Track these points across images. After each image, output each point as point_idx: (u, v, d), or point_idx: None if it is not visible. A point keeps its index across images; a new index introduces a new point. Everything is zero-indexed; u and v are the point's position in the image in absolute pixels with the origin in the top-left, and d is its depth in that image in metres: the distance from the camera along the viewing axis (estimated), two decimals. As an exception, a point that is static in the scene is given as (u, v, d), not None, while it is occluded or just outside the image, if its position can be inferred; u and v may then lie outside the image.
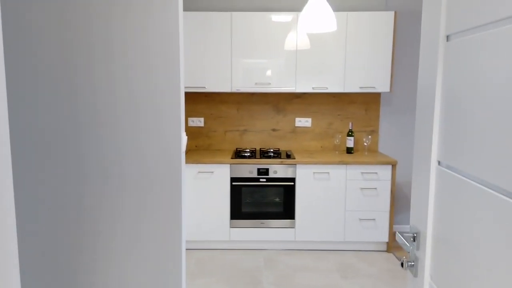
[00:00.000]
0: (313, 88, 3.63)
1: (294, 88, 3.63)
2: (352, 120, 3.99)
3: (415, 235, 1.03)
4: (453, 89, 0.89)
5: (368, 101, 3.97)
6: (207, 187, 3.50)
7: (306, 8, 2.82)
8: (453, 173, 0.89)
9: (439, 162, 0.95)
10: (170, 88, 1.78)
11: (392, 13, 3.53)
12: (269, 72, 3.60)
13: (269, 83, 3.62)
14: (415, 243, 1.02)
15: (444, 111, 0.93)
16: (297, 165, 3.49)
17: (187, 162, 3.46)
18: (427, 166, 0.98)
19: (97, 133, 1.81)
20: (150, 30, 1.77)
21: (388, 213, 3.52)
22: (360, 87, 3.62)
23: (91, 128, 1.81)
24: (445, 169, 0.92)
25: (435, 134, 0.95)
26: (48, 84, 1.77)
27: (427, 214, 0.98)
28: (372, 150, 4.01)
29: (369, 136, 3.80)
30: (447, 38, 0.92)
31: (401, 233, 1.07)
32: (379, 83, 3.62)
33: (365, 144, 3.82)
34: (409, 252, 1.05)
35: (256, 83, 3.62)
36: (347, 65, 3.60)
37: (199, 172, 3.49)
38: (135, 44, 1.77)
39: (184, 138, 1.90)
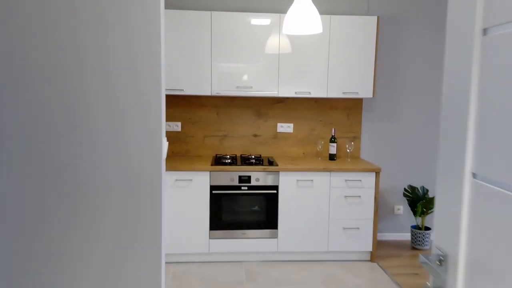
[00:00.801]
0: (295, 92, 3.51)
1: (276, 92, 3.50)
2: (334, 126, 3.90)
3: (441, 258, 0.90)
4: (492, 89, 0.77)
5: (350, 107, 3.90)
6: (185, 196, 3.31)
7: (291, 9, 2.70)
8: (494, 186, 0.76)
9: (473, 175, 0.83)
10: (150, 90, 1.60)
11: (375, 18, 3.48)
12: (250, 76, 3.46)
13: (251, 87, 3.48)
14: (442, 268, 0.89)
15: (481, 115, 0.80)
16: (280, 172, 3.35)
17: (163, 169, 3.25)
18: (458, 179, 0.86)
19: (70, 138, 1.60)
20: (130, 27, 1.59)
21: (372, 221, 3.44)
22: (343, 93, 3.54)
23: (64, 132, 1.60)
24: (483, 182, 0.80)
25: (470, 142, 0.83)
26: (18, 87, 1.55)
27: (459, 235, 0.85)
28: (354, 156, 3.94)
29: (352, 143, 3.72)
30: (484, 31, 0.80)
31: (426, 256, 0.94)
32: (362, 88, 3.55)
33: (348, 150, 3.73)
34: (433, 277, 0.92)
35: (237, 87, 3.47)
36: (330, 70, 3.51)
37: (176, 180, 3.29)
38: (113, 43, 1.58)
39: (165, 144, 1.73)
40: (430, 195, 4.01)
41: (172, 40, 3.38)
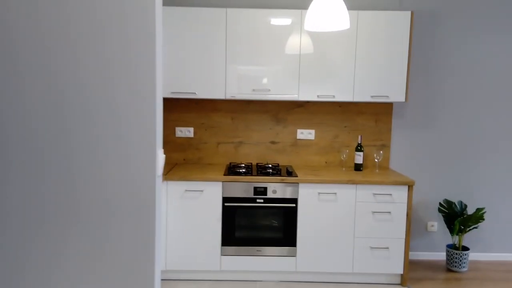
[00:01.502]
0: (318, 96, 3.19)
1: (296, 95, 3.19)
2: (361, 133, 3.55)
3: None
4: None
5: (379, 112, 3.53)
6: (196, 208, 3.03)
7: (314, 2, 2.39)
8: None
9: None
10: (142, 94, 1.33)
11: (409, 13, 3.12)
12: (268, 78, 3.16)
13: (269, 90, 3.17)
14: None
15: None
16: (300, 184, 3.03)
17: (172, 178, 2.98)
18: None
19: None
20: (118, 22, 1.32)
21: (404, 241, 3.06)
22: (372, 96, 3.19)
23: (54, 132, 1.35)
24: None
25: None
26: (7, 90, 1.31)
27: None
28: (383, 167, 3.57)
29: (381, 152, 3.35)
30: None
31: None
32: (393, 91, 3.19)
33: (376, 160, 3.37)
34: None
35: (253, 90, 3.17)
36: (357, 71, 3.17)
37: (186, 190, 3.01)
38: (95, 38, 1.31)
39: (161, 158, 1.45)
40: (469, 211, 3.59)
41: (185, 40, 3.12)
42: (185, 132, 3.54)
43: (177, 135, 3.54)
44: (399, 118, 3.55)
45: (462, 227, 3.36)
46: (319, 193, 3.03)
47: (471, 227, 3.36)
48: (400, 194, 3.03)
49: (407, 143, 3.56)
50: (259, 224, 3.06)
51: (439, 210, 3.47)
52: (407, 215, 3.04)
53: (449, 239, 3.64)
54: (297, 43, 3.14)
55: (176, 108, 3.52)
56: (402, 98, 3.19)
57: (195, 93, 3.17)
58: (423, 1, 3.44)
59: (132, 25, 1.32)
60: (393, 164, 3.59)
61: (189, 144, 3.56)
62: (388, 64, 3.16)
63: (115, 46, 1.32)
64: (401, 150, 3.57)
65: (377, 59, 3.16)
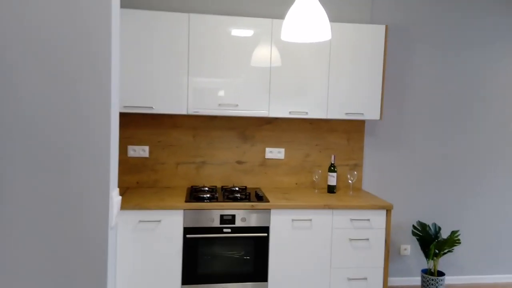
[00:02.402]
0: (290, 112, 2.91)
1: (266, 111, 2.89)
2: (332, 152, 3.32)
3: None
4: None
5: (351, 130, 3.33)
6: (152, 242, 2.60)
7: (292, 11, 2.11)
8: None
9: None
10: (91, 116, 0.95)
11: (383, 27, 2.96)
12: (236, 92, 2.84)
13: (236, 105, 2.85)
14: None
15: None
16: (272, 210, 2.71)
17: (124, 207, 2.54)
18: None
19: None
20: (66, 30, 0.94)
21: (382, 270, 2.83)
22: (346, 113, 2.97)
23: None
24: None
25: None
26: None
27: None
28: (356, 188, 3.35)
29: (355, 172, 3.13)
30: None
31: None
32: (368, 109, 2.99)
33: (350, 181, 3.14)
34: None
35: (219, 105, 2.83)
36: (331, 87, 2.94)
37: (140, 221, 2.58)
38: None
39: (116, 202, 1.07)
40: (443, 234, 3.47)
41: (140, 47, 2.72)
42: (139, 151, 3.10)
43: (129, 155, 3.09)
44: (371, 136, 3.37)
45: (437, 251, 3.21)
46: (293, 219, 2.73)
47: (445, 251, 3.23)
48: (378, 219, 2.81)
49: (379, 162, 3.38)
50: (225, 258, 2.69)
51: (413, 233, 3.30)
52: (385, 241, 2.82)
53: (423, 262, 3.48)
54: (267, 55, 2.86)
55: (129, 124, 3.08)
56: (376, 116, 3.01)
57: (152, 107, 2.77)
58: (395, 16, 3.31)
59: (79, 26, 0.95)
60: (366, 185, 3.39)
61: (144, 165, 3.12)
62: (363, 80, 2.97)
63: (55, 49, 0.94)
64: (374, 170, 3.38)
65: (351, 74, 2.95)
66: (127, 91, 2.73)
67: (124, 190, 2.94)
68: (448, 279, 3.51)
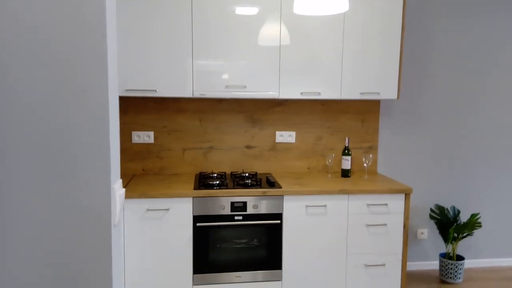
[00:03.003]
0: (301, 93, 2.75)
1: (276, 93, 2.74)
2: (345, 134, 3.17)
3: None
4: None
5: (365, 110, 3.17)
6: (161, 231, 2.49)
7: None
8: None
9: None
10: (88, 101, 0.82)
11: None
12: (243, 73, 2.68)
13: (244, 87, 2.69)
14: None
15: None
16: (285, 197, 2.58)
17: (130, 196, 2.42)
18: None
19: None
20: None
21: (401, 256, 2.72)
22: (361, 93, 2.81)
23: None
24: None
25: None
26: None
27: None
28: (371, 171, 3.21)
29: (370, 155, 2.99)
30: None
31: None
32: (384, 88, 2.83)
33: (365, 165, 3.00)
34: None
35: (226, 87, 2.68)
36: (345, 65, 2.77)
37: (148, 209, 2.46)
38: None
39: (119, 195, 0.94)
40: (462, 217, 3.33)
41: (142, 28, 2.56)
42: (143, 137, 2.97)
43: (134, 141, 2.96)
44: (387, 116, 3.21)
45: (456, 235, 3.09)
46: (306, 206, 2.60)
47: (465, 235, 3.10)
48: (396, 203, 2.68)
49: (395, 144, 3.23)
50: (238, 246, 2.58)
51: (431, 217, 3.18)
52: (404, 226, 2.70)
53: (441, 246, 3.37)
54: (276, 32, 2.68)
55: (132, 109, 2.94)
56: (393, 95, 2.84)
57: (155, 90, 2.62)
58: (411, -13, 3.11)
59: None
60: (381, 168, 3.24)
61: (149, 152, 2.99)
62: (379, 57, 2.79)
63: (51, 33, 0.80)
64: (389, 152, 3.23)
65: (366, 51, 2.78)
66: (128, 74, 2.58)
67: (129, 178, 2.83)
68: (466, 263, 3.39)
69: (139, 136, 2.97)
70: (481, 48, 3.22)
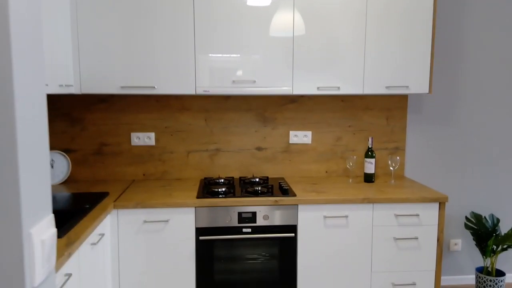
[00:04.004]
0: (318, 88, 2.43)
1: (290, 88, 2.42)
2: (369, 134, 2.82)
3: None
4: None
5: (390, 107, 2.82)
6: (159, 245, 2.21)
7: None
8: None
9: None
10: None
11: (431, -22, 2.40)
12: (252, 66, 2.37)
13: (254, 81, 2.38)
14: None
15: None
16: (300, 206, 2.27)
17: (125, 205, 2.15)
18: None
19: None
20: None
21: (434, 273, 2.37)
22: (387, 87, 2.46)
23: None
24: None
25: None
26: None
27: None
28: (397, 175, 2.86)
29: (397, 157, 2.64)
30: None
31: None
32: (414, 81, 2.47)
33: (391, 168, 2.66)
34: None
35: (233, 82, 2.37)
36: (368, 56, 2.43)
37: (145, 221, 2.19)
38: None
39: (44, 239, 0.64)
40: (502, 226, 2.95)
41: (139, 18, 2.28)
42: (143, 138, 2.70)
43: (133, 143, 2.69)
44: (415, 113, 2.85)
45: (495, 247, 2.72)
46: (325, 216, 2.28)
47: (505, 247, 2.72)
48: (429, 213, 2.33)
49: (424, 145, 2.87)
50: (246, 262, 2.28)
51: (466, 226, 2.81)
52: (437, 240, 2.35)
53: (477, 259, 2.99)
54: (289, 21, 2.36)
55: (131, 108, 2.67)
56: (425, 89, 2.49)
57: (153, 87, 2.33)
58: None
59: None
60: (409, 171, 2.89)
61: (150, 155, 2.72)
62: (407, 47, 2.44)
63: None
64: (418, 154, 2.87)
65: (392, 40, 2.43)
66: (124, 69, 2.30)
67: (127, 184, 2.56)
68: (508, 277, 3.01)
69: (139, 138, 2.69)
70: (524, 34, 2.82)
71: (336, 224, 2.29)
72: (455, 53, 2.80)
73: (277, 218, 2.26)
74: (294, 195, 2.29)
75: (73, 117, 2.63)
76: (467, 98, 2.85)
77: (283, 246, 2.28)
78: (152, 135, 2.70)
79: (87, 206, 2.02)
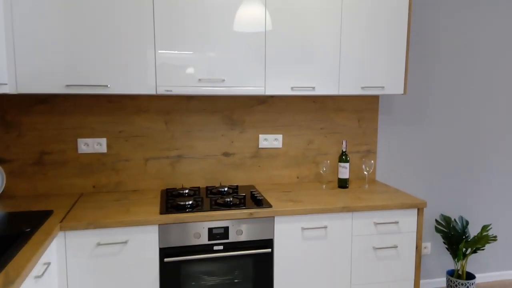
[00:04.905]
0: (292, 88, 2.24)
1: (262, 88, 2.20)
2: (342, 136, 2.69)
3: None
4: None
5: (362, 108, 2.71)
6: (117, 270, 1.90)
7: None
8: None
9: None
10: None
11: (405, -25, 2.31)
12: (221, 64, 2.13)
13: (222, 80, 2.14)
14: None
15: None
16: (276, 218, 2.06)
17: (73, 226, 1.81)
18: None
19: None
20: None
21: (413, 282, 2.28)
22: (363, 88, 2.33)
23: None
24: None
25: None
26: None
27: None
28: (369, 180, 2.76)
29: (371, 161, 2.53)
30: None
31: None
32: (389, 81, 2.37)
33: (366, 172, 2.54)
34: None
35: (199, 80, 2.11)
36: (343, 55, 2.28)
37: (99, 244, 1.86)
38: None
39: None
40: (471, 229, 2.96)
41: (89, 11, 1.94)
42: (93, 145, 2.35)
43: (80, 151, 2.33)
44: (386, 115, 2.76)
45: (465, 249, 2.71)
46: (303, 228, 2.10)
47: (478, 249, 2.72)
48: (408, 220, 2.23)
49: (395, 147, 2.80)
50: (218, 283, 2.04)
51: (437, 230, 2.78)
52: (416, 247, 2.26)
53: (446, 262, 2.98)
54: (260, 16, 2.14)
55: (78, 110, 2.31)
56: (400, 90, 2.39)
57: (106, 85, 2.01)
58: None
59: None
60: (380, 175, 2.80)
61: (101, 163, 2.37)
62: (383, 47, 2.32)
63: None
64: (388, 156, 2.79)
65: (368, 39, 2.30)
66: (70, 66, 1.95)
67: (75, 199, 2.20)
68: (478, 278, 3.03)
69: (88, 144, 2.34)
70: (500, 37, 2.83)
71: (315, 235, 2.12)
72: (428, 53, 2.75)
73: (251, 232, 2.04)
74: (270, 205, 2.08)
75: (8, 121, 2.22)
76: (437, 100, 2.81)
77: (259, 263, 2.06)
78: (104, 141, 2.36)
79: (28, 229, 1.66)
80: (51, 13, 1.90)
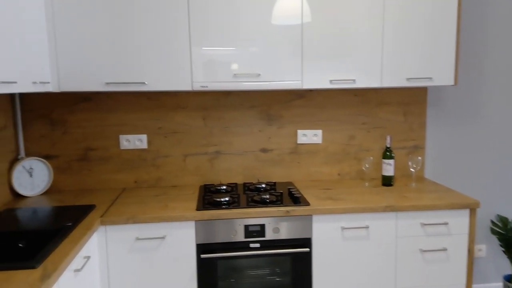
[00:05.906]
0: (331, 82, 2.14)
1: (299, 82, 2.13)
2: (386, 131, 2.55)
3: None
4: None
5: (408, 101, 2.55)
6: (155, 265, 1.92)
7: None
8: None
9: None
10: None
11: (456, -45, 2.12)
12: (256, 58, 2.08)
13: (258, 75, 2.09)
14: None
15: None
16: (314, 217, 1.99)
17: (114, 221, 1.86)
18: None
19: None
20: None
21: (464, 287, 2.11)
22: (408, 79, 2.19)
23: None
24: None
25: None
26: None
27: None
28: (416, 177, 2.60)
29: (418, 158, 2.37)
30: None
31: None
32: (438, 71, 2.20)
33: (412, 169, 2.39)
34: None
35: (235, 75, 2.08)
36: (386, 45, 2.15)
37: (138, 238, 1.90)
38: None
39: None
40: (532, 230, 2.70)
41: (123, 6, 1.97)
42: (134, 141, 2.40)
43: (122, 147, 2.39)
44: (435, 108, 2.58)
45: (526, 253, 2.47)
46: (343, 228, 2.01)
47: (538, 253, 2.48)
48: (459, 221, 2.07)
49: (445, 142, 2.61)
50: (255, 281, 2.01)
51: (492, 231, 2.56)
52: (468, 251, 2.09)
53: (503, 266, 2.75)
54: (297, 7, 2.07)
55: (119, 107, 2.37)
56: (450, 80, 2.22)
57: (144, 83, 2.03)
58: None
59: None
60: (429, 172, 2.63)
61: (142, 159, 2.42)
62: (430, 34, 2.16)
63: None
64: (438, 153, 2.61)
65: (413, 26, 2.15)
66: (109, 64, 1.99)
67: (117, 195, 2.26)
68: (536, 287, 2.78)
69: (129, 141, 2.40)
70: (554, 18, 2.55)
71: (356, 236, 2.02)
72: (482, 40, 2.53)
73: (289, 230, 1.98)
74: (308, 203, 2.01)
75: (53, 119, 2.32)
76: (490, 91, 2.58)
77: (296, 262, 2.00)
78: (144, 137, 2.40)
79: (69, 224, 1.72)
80: (91, 13, 1.95)
